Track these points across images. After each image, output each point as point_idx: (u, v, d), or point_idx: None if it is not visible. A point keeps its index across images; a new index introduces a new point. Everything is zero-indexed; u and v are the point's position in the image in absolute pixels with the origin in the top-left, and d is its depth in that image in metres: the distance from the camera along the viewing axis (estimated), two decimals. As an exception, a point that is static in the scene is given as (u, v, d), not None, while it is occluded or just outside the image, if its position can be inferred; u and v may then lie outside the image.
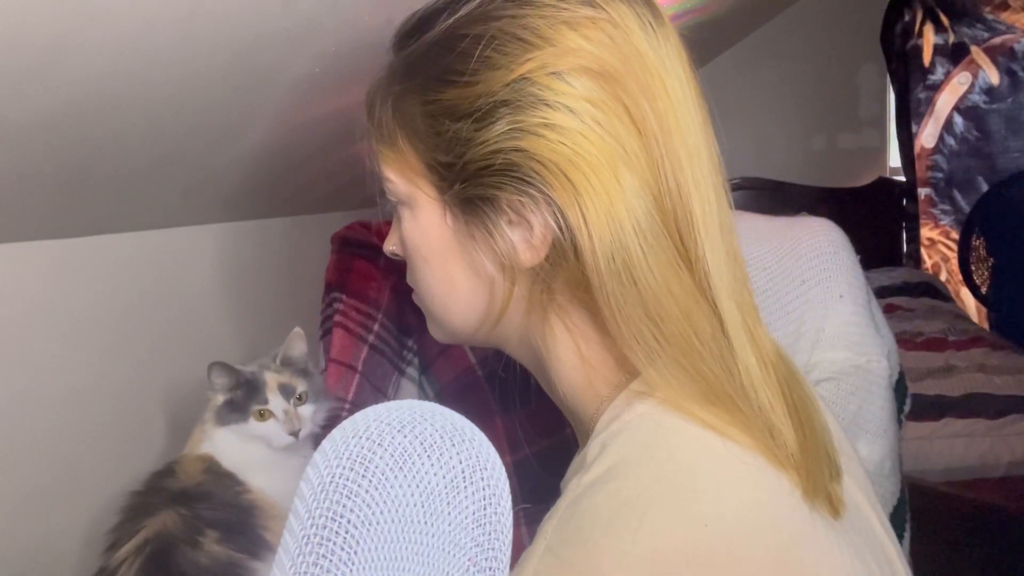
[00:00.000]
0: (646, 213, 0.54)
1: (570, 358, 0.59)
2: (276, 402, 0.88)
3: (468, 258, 0.59)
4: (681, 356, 0.54)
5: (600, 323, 0.57)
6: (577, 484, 0.52)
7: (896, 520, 0.83)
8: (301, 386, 0.91)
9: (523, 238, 0.56)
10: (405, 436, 0.44)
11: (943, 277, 3.07)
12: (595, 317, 0.57)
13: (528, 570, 0.49)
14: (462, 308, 0.62)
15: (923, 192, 3.08)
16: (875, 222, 3.00)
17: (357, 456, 0.43)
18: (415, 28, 0.60)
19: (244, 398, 0.88)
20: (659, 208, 0.54)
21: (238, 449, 0.88)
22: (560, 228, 0.55)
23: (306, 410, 0.90)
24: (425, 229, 0.60)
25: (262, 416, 0.88)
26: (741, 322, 0.56)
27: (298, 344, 0.94)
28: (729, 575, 0.48)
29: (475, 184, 0.56)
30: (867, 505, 0.60)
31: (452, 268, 0.60)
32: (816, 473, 0.53)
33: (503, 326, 0.61)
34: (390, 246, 0.66)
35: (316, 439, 0.89)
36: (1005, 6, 2.93)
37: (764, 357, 0.56)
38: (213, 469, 0.87)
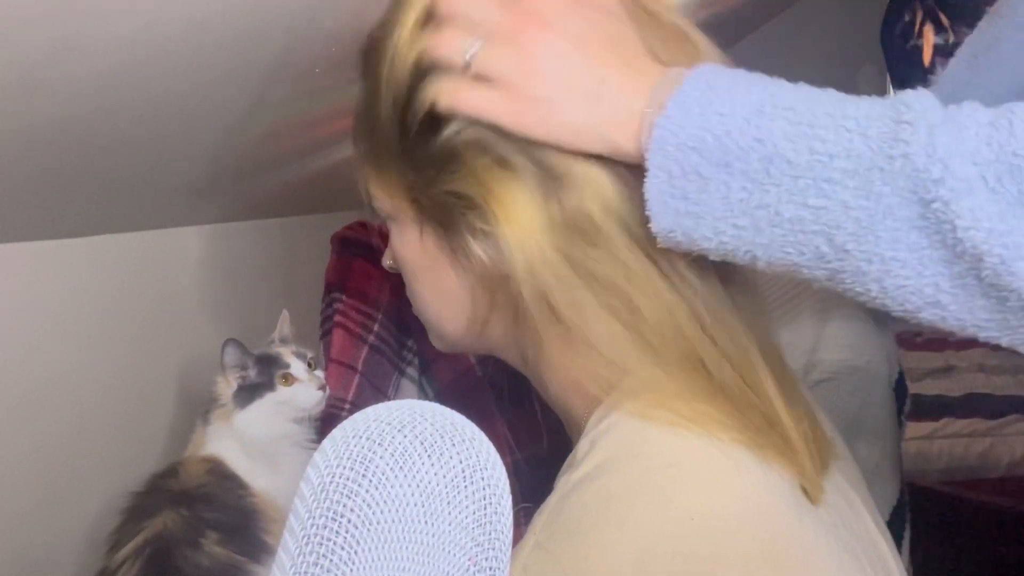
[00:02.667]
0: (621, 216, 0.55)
1: (559, 361, 0.60)
2: (297, 365, 0.91)
3: (448, 269, 0.60)
4: (670, 356, 0.54)
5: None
6: (566, 481, 0.52)
7: (896, 521, 0.83)
8: (309, 352, 0.94)
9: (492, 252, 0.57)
10: (405, 436, 0.44)
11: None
12: None
13: (517, 565, 0.49)
14: (454, 316, 0.63)
15: (923, 192, 3.07)
16: (875, 222, 2.99)
17: (357, 456, 0.44)
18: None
19: (262, 373, 0.90)
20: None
21: (265, 427, 0.89)
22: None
23: (320, 373, 0.93)
24: (409, 244, 0.62)
25: (286, 380, 0.90)
26: (725, 318, 0.57)
27: (288, 324, 0.98)
28: (715, 568, 0.48)
29: (441, 204, 0.58)
30: (861, 504, 0.61)
31: (439, 278, 0.62)
32: (802, 467, 0.54)
33: (493, 332, 0.62)
34: (387, 260, 0.68)
35: (321, 435, 0.89)
36: (1005, 6, 2.93)
37: (752, 352, 0.57)
38: (216, 471, 0.88)
